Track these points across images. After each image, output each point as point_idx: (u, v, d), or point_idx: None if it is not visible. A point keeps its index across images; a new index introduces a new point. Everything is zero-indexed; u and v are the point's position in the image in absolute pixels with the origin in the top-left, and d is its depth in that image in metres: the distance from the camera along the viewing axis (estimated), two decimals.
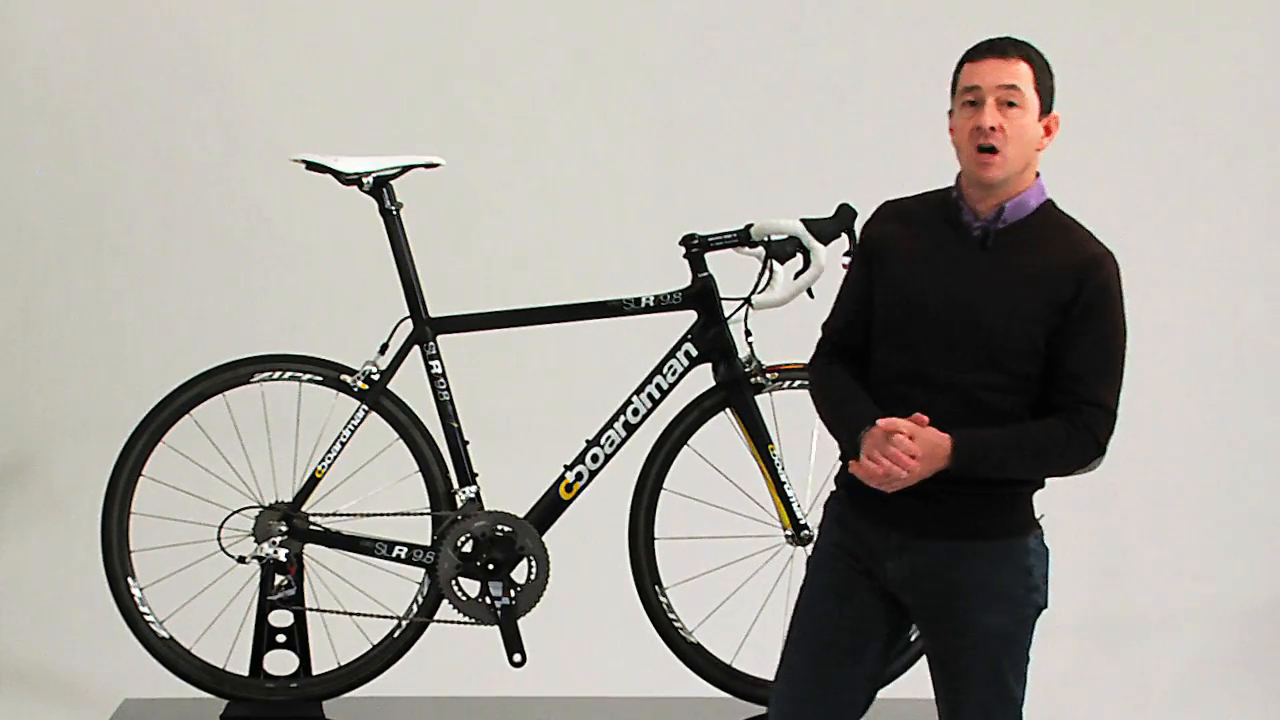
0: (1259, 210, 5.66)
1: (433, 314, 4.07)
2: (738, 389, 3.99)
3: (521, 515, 4.01)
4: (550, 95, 5.53)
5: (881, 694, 3.28)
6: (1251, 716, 5.46)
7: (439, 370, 4.05)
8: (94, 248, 5.40)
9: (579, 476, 4.01)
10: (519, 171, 5.50)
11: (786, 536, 3.99)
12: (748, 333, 3.97)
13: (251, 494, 4.06)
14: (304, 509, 4.02)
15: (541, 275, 5.42)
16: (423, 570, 4.04)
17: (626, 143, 5.57)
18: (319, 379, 4.08)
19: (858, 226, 3.95)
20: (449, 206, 5.19)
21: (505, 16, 5.54)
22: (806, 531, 3.96)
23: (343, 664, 4.10)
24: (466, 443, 4.05)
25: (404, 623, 4.06)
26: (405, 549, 4.03)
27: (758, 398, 3.99)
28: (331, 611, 4.07)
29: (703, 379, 4.00)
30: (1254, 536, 5.60)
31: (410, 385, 4.07)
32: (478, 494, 4.04)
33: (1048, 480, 3.21)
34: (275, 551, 4.00)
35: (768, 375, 4.00)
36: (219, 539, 4.00)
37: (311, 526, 4.02)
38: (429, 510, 4.06)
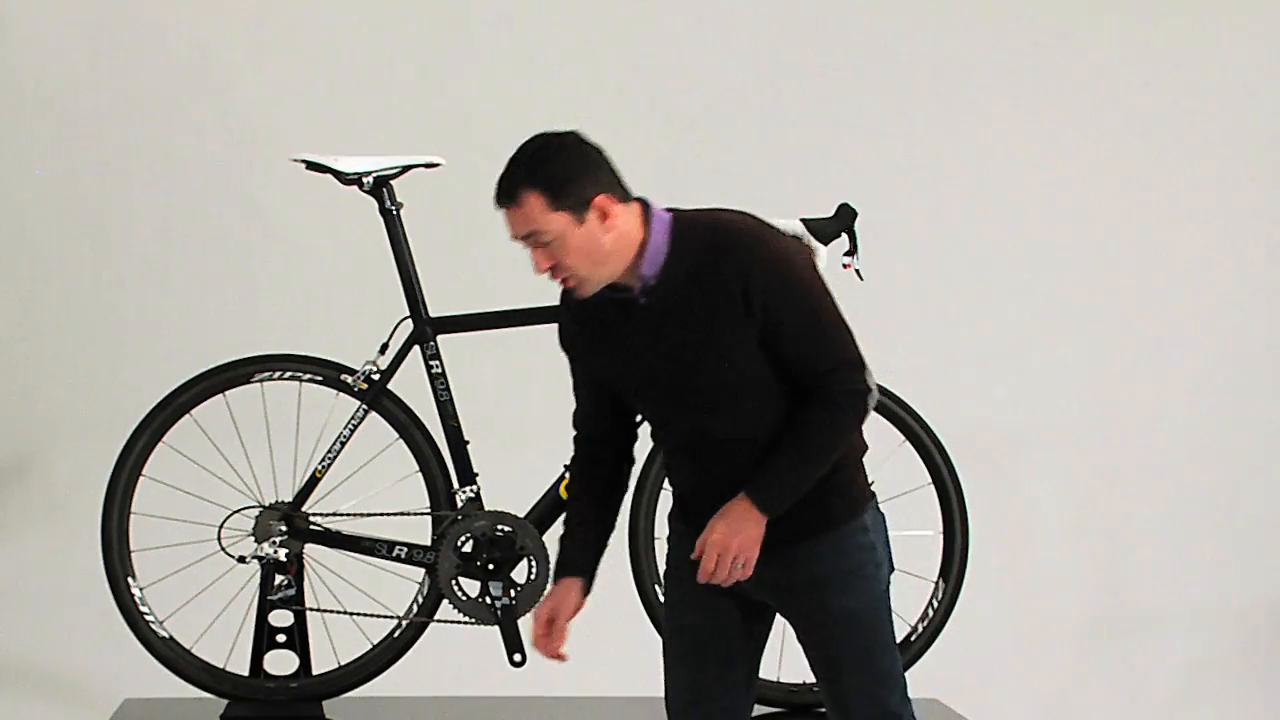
0: (1259, 210, 5.66)
1: (433, 314, 4.07)
2: None
3: (521, 515, 4.01)
4: (550, 95, 5.52)
5: None
6: (1251, 716, 5.46)
7: (439, 370, 4.05)
8: (94, 248, 5.40)
9: None
10: None
11: None
12: None
13: (251, 494, 4.06)
14: (304, 509, 4.02)
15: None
16: (423, 570, 4.04)
17: (626, 142, 5.53)
18: (319, 379, 4.07)
19: (858, 227, 3.97)
20: (449, 206, 5.18)
21: (505, 16, 5.53)
22: None
23: (343, 664, 4.10)
24: (466, 443, 4.05)
25: (404, 623, 4.06)
26: (405, 549, 4.03)
27: None
28: (331, 611, 4.07)
29: None
30: (1254, 536, 5.60)
31: (410, 385, 4.07)
32: (478, 494, 4.04)
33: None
34: (275, 551, 3.99)
35: None
36: (219, 539, 4.00)
37: (311, 526, 4.02)
38: (429, 510, 4.05)
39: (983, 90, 5.57)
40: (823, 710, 4.08)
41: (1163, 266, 5.61)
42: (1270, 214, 5.66)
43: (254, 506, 4.03)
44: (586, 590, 3.17)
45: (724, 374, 2.96)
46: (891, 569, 3.17)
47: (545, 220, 2.92)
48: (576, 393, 3.21)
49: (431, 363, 4.05)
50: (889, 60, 5.56)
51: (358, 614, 4.06)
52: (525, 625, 3.98)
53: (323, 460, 4.03)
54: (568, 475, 3.99)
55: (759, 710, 3.94)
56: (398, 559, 4.04)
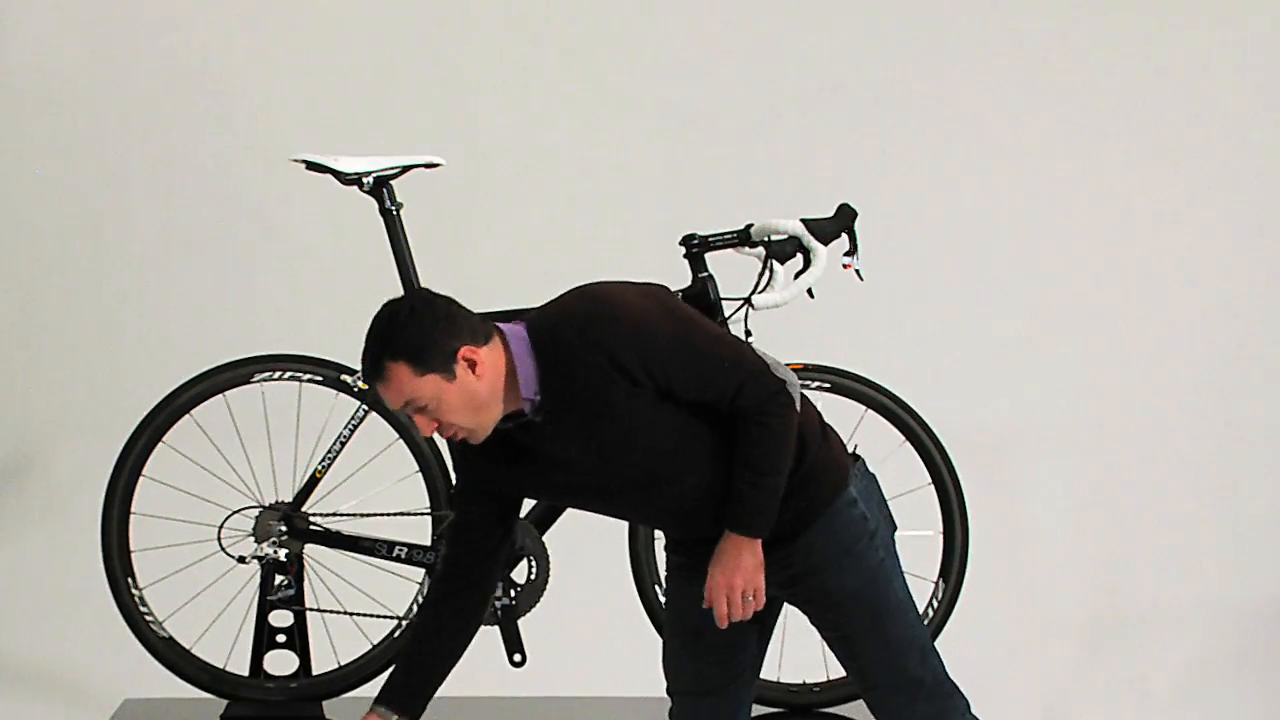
0: (1259, 210, 5.66)
1: None
2: None
3: (521, 515, 4.01)
4: (550, 95, 5.52)
5: None
6: (1251, 716, 5.46)
7: None
8: (94, 248, 5.40)
9: None
10: (519, 171, 5.49)
11: None
12: (748, 333, 3.96)
13: (251, 494, 4.06)
14: (304, 509, 4.02)
15: (541, 275, 5.42)
16: (423, 570, 4.04)
17: (626, 142, 5.56)
18: (319, 379, 4.08)
19: (858, 227, 3.97)
20: (449, 206, 5.18)
21: (505, 16, 5.53)
22: None
23: (343, 664, 4.10)
24: None
25: (404, 623, 4.06)
26: (405, 549, 4.03)
27: None
28: (331, 611, 4.07)
29: None
30: (1254, 536, 5.60)
31: None
32: None
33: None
34: (275, 551, 3.99)
35: None
36: (219, 539, 4.00)
37: (311, 526, 4.02)
38: (429, 510, 4.05)
39: (983, 90, 5.56)
40: (823, 710, 4.11)
41: (1162, 267, 5.61)
42: (1270, 214, 5.66)
43: (254, 506, 4.03)
44: None
45: (648, 444, 2.96)
46: (893, 527, 3.18)
47: (416, 387, 2.88)
48: (460, 504, 3.15)
49: None
50: (889, 60, 5.56)
51: (358, 614, 4.06)
52: (525, 625, 3.99)
53: (323, 460, 4.03)
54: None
55: (758, 710, 3.94)
56: (398, 559, 4.04)
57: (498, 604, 3.98)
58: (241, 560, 4.00)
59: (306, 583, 4.05)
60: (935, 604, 4.13)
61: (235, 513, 4.01)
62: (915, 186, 5.53)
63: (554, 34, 5.54)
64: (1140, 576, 5.58)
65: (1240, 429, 5.62)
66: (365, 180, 3.99)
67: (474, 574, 3.14)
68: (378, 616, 4.05)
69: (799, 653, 3.91)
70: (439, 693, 4.43)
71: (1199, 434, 5.61)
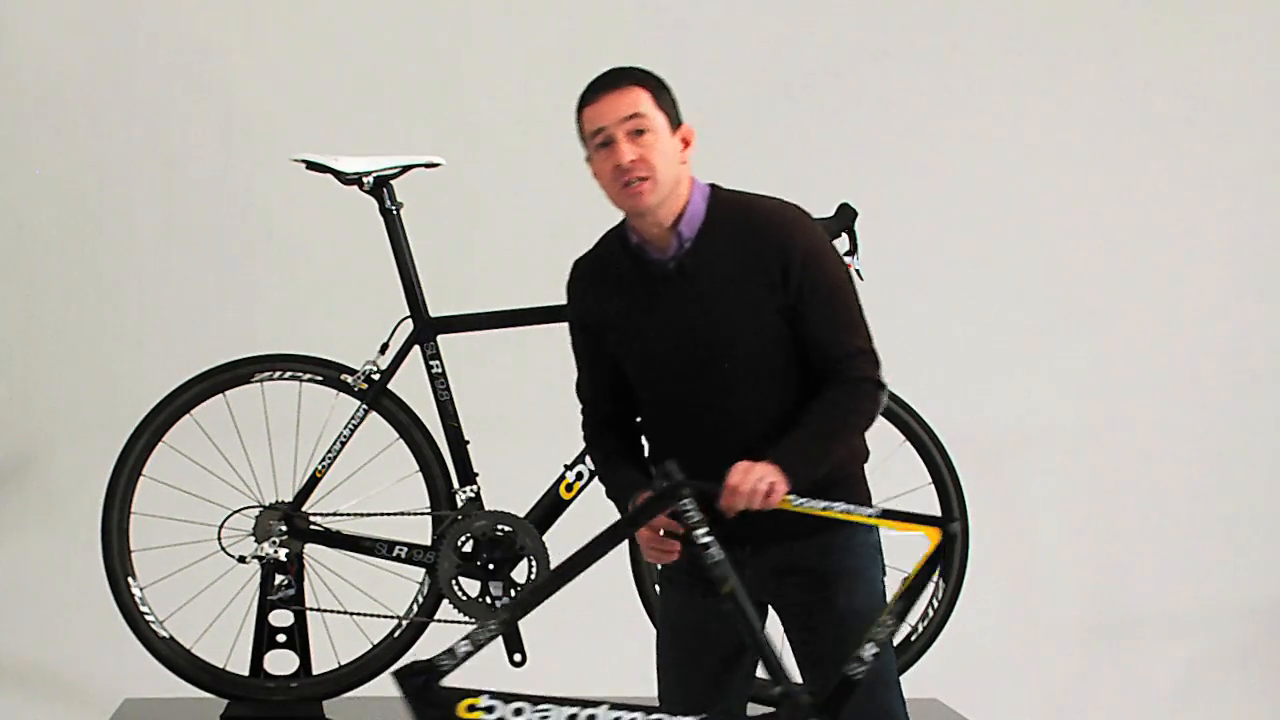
0: (1259, 210, 5.66)
1: (433, 314, 4.07)
2: None
3: (522, 515, 4.02)
4: (550, 95, 5.51)
5: None
6: (1251, 716, 5.46)
7: (439, 370, 4.06)
8: (94, 248, 5.40)
9: (579, 476, 4.01)
10: (519, 171, 5.49)
11: None
12: None
13: (251, 494, 4.06)
14: (304, 509, 4.02)
15: (541, 275, 5.42)
16: (423, 570, 4.05)
17: None
18: (319, 379, 4.08)
19: (858, 226, 3.96)
20: (449, 206, 5.18)
21: (505, 16, 5.53)
22: None
23: (343, 664, 4.10)
24: (467, 442, 4.06)
25: (404, 623, 4.06)
26: (405, 549, 4.04)
27: None
28: (331, 611, 4.07)
29: None
30: (1254, 536, 5.60)
31: (410, 385, 4.07)
32: (478, 494, 4.05)
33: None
34: (275, 551, 4.00)
35: None
36: (219, 539, 4.00)
37: (312, 526, 4.02)
38: (429, 510, 4.06)
39: (983, 90, 5.56)
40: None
41: (1163, 267, 5.61)
42: (1271, 214, 5.66)
43: (254, 506, 4.03)
44: None
45: (746, 346, 2.99)
46: (884, 572, 3.19)
47: (649, 111, 3.02)
48: (581, 365, 3.22)
49: (432, 362, 4.05)
50: (889, 60, 5.56)
51: (358, 614, 4.06)
52: (525, 625, 3.99)
53: (323, 460, 4.03)
54: (567, 475, 3.99)
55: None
56: (398, 559, 4.05)
57: (498, 604, 3.98)
58: (241, 560, 4.00)
59: (306, 582, 4.05)
60: (935, 604, 4.13)
61: (235, 512, 4.02)
62: (915, 186, 5.52)
63: (554, 33, 5.53)
64: (1140, 576, 5.58)
65: (1240, 429, 5.62)
66: (365, 180, 4.00)
67: (620, 424, 3.20)
68: (378, 616, 4.05)
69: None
70: None
71: (1199, 434, 5.61)
